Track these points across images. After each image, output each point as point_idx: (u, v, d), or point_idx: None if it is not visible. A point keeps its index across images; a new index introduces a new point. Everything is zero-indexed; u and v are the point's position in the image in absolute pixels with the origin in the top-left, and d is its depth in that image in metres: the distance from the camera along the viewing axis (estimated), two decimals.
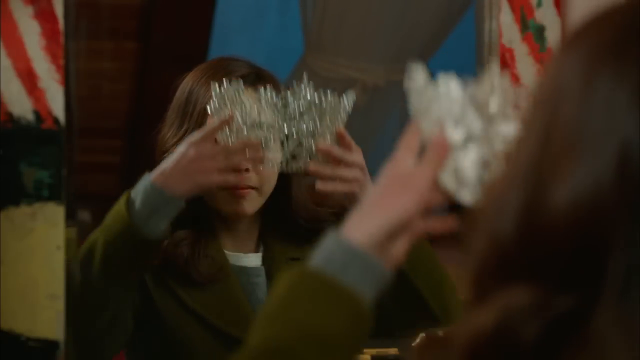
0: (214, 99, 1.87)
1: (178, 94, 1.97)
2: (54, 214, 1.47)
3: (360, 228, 1.04)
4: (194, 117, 1.94)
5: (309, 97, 1.87)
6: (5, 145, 1.47)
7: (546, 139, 0.81)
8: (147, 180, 1.79)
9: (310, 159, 1.86)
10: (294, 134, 1.87)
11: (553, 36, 1.82)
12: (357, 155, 1.87)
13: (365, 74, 4.47)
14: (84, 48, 4.07)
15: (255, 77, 1.98)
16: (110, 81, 4.31)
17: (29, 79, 1.48)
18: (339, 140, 1.88)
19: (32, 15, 1.47)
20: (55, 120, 1.48)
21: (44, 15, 1.48)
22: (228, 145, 1.85)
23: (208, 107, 1.86)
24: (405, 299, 1.89)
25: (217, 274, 1.92)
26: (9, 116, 1.47)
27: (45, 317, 1.47)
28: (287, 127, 1.88)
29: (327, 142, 1.86)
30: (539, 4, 1.83)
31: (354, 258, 1.02)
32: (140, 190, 1.78)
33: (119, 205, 1.77)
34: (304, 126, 1.87)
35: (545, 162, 0.80)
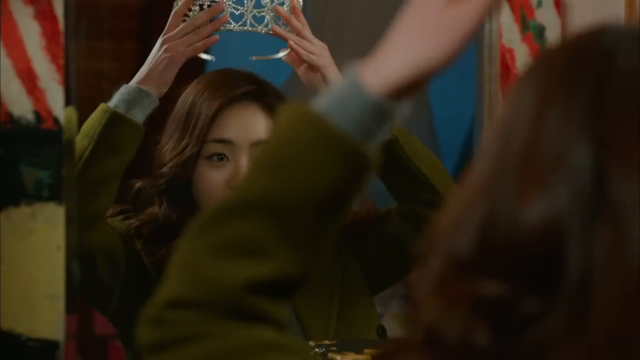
0: None
1: (179, 105, 1.98)
2: (54, 214, 1.47)
3: (384, 71, 0.89)
4: (196, 131, 1.94)
5: None
6: (5, 145, 1.47)
7: (501, 164, 0.82)
8: (123, 86, 1.87)
9: (275, 25, 1.95)
10: None
11: (553, 36, 1.82)
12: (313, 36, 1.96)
13: None
14: (84, 48, 4.07)
15: (259, 91, 1.99)
16: (111, 81, 4.31)
17: (29, 79, 1.47)
18: (294, 15, 1.96)
19: (32, 16, 1.47)
20: (56, 121, 1.48)
21: (44, 15, 1.48)
22: (193, 20, 1.92)
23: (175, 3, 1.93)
24: (405, 175, 1.89)
25: None
26: (9, 116, 1.47)
27: (45, 317, 1.47)
28: None
29: (285, 9, 1.95)
30: (539, 4, 1.83)
31: (371, 112, 0.89)
32: (116, 95, 1.87)
33: (97, 109, 1.85)
34: None
35: (501, 185, 0.82)
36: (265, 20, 1.94)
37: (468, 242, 0.81)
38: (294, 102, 0.91)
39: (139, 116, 1.88)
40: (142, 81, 1.90)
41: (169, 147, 1.96)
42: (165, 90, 1.94)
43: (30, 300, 1.46)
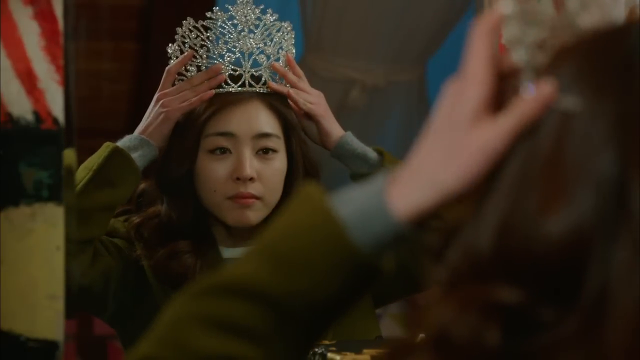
0: (174, 46, 1.97)
1: None
2: (53, 214, 1.47)
3: (411, 195, 0.86)
4: (196, 124, 1.95)
5: (253, 15, 2.00)
6: (5, 145, 1.47)
7: (525, 167, 0.81)
8: (126, 135, 1.90)
9: (272, 82, 2.01)
10: (246, 50, 1.98)
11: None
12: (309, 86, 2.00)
13: (364, 74, 4.47)
14: (83, 48, 4.07)
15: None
16: (110, 82, 4.31)
17: (28, 79, 1.47)
18: (290, 68, 1.99)
19: (31, 16, 1.47)
20: (55, 121, 1.48)
21: (44, 15, 1.48)
22: (191, 80, 1.96)
23: (168, 49, 1.97)
24: None
25: None
26: (9, 117, 1.47)
27: (45, 318, 1.46)
28: (241, 44, 1.98)
29: (281, 64, 1.98)
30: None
31: (393, 236, 0.87)
32: (118, 142, 1.89)
33: (101, 147, 1.88)
34: (253, 42, 1.98)
35: (524, 192, 0.81)
36: (263, 79, 1.98)
37: (487, 242, 0.81)
38: (313, 187, 0.89)
39: (138, 162, 1.91)
40: (143, 132, 1.95)
41: (171, 143, 1.98)
42: (163, 144, 1.97)
43: (29, 301, 1.46)
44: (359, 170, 1.97)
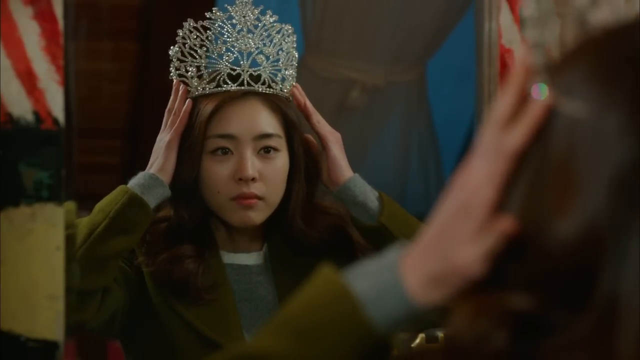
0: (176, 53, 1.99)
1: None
2: (53, 214, 1.47)
3: (419, 268, 0.90)
4: (197, 128, 1.95)
5: (252, 16, 2.00)
6: (5, 145, 1.47)
7: (538, 174, 0.82)
8: (140, 172, 1.91)
9: (272, 82, 1.99)
10: (245, 50, 1.98)
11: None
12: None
13: (364, 74, 4.47)
14: (83, 49, 4.07)
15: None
16: (110, 82, 4.31)
17: (28, 79, 1.47)
18: (302, 111, 1.99)
19: (31, 16, 1.48)
20: (55, 121, 1.48)
21: (44, 15, 1.48)
22: (168, 110, 1.99)
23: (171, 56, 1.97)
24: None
25: (215, 293, 1.94)
26: (9, 117, 1.47)
27: (45, 318, 1.47)
28: (239, 44, 1.99)
29: (280, 65, 1.98)
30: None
31: (407, 314, 0.90)
32: (133, 179, 1.90)
33: (116, 189, 1.87)
34: (252, 42, 1.99)
35: (538, 195, 0.81)
36: (262, 78, 1.97)
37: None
38: (331, 269, 0.92)
39: (151, 202, 1.92)
40: (152, 169, 1.95)
41: (180, 151, 1.99)
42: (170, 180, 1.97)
43: (29, 301, 1.46)
44: (359, 218, 1.96)
